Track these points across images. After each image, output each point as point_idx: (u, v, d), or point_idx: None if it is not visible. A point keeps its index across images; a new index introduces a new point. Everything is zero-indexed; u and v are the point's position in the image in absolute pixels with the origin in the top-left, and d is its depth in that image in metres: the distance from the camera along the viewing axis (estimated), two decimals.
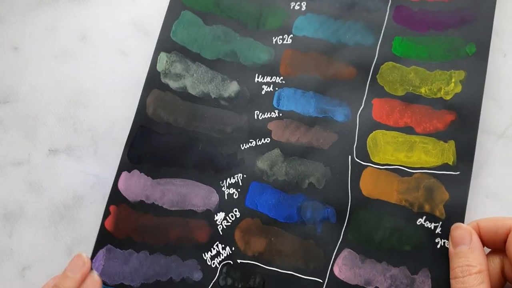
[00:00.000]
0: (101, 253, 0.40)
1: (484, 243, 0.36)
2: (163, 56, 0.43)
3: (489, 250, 0.37)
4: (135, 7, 0.46)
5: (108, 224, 0.40)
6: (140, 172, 0.41)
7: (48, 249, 0.42)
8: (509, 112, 0.41)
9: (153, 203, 0.41)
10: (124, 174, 0.41)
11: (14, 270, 0.41)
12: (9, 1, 0.46)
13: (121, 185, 0.41)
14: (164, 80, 0.43)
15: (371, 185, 0.40)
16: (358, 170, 0.40)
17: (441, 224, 0.38)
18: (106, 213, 0.41)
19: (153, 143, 0.42)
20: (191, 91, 0.43)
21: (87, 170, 0.43)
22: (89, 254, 0.40)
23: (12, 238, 0.42)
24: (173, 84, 0.43)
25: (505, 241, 0.35)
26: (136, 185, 0.41)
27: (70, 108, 0.44)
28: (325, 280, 0.38)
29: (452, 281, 0.35)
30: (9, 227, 0.42)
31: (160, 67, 0.43)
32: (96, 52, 0.45)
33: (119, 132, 0.43)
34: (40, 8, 0.46)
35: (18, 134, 0.44)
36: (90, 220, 0.42)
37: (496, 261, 0.36)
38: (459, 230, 0.36)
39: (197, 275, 0.39)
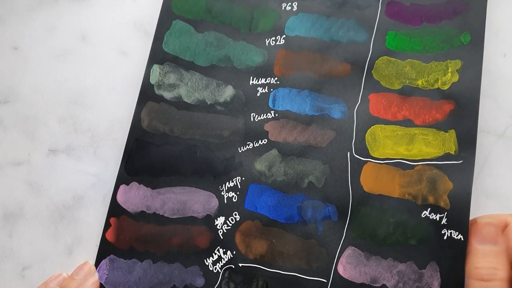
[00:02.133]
0: (104, 263, 0.40)
1: None
2: (156, 68, 0.44)
3: None
4: (135, 7, 0.47)
5: (110, 236, 0.40)
6: (139, 184, 0.41)
7: (48, 249, 0.42)
8: (509, 112, 0.41)
9: (154, 212, 0.41)
10: (122, 187, 0.41)
11: (14, 270, 0.41)
12: (9, 1, 0.47)
13: (120, 198, 0.41)
14: (158, 92, 0.43)
15: (372, 181, 0.39)
16: (357, 166, 0.39)
17: (446, 215, 0.37)
18: (107, 225, 0.40)
19: (150, 154, 0.42)
20: (186, 99, 0.43)
21: (87, 170, 0.43)
22: (91, 258, 0.40)
23: (12, 238, 0.42)
24: (167, 95, 0.43)
25: None
26: (136, 197, 0.41)
27: (70, 108, 0.44)
28: (329, 280, 0.37)
29: (474, 282, 0.33)
30: (9, 227, 0.42)
31: (153, 79, 0.43)
32: (96, 52, 0.46)
33: (119, 132, 0.43)
34: (40, 8, 0.47)
35: (18, 134, 0.44)
36: (90, 220, 0.42)
37: None
38: (490, 227, 0.34)
39: (200, 281, 0.39)
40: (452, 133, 0.39)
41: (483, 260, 0.33)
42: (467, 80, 0.40)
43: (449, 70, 0.40)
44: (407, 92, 0.41)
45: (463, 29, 0.41)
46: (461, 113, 0.39)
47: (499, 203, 0.39)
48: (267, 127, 0.42)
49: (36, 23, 0.47)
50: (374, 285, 0.37)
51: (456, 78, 0.40)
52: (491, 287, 0.32)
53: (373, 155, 0.40)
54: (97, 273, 0.39)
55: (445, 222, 0.37)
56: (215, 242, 0.39)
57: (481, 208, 0.38)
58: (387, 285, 0.37)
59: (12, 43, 0.46)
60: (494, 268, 0.32)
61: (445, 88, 0.40)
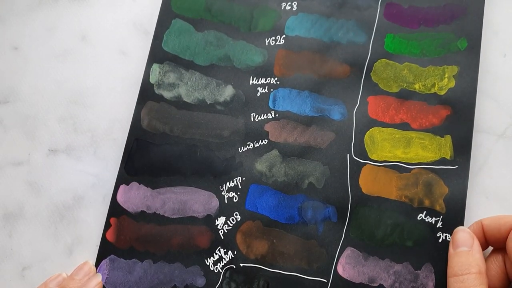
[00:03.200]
0: (104, 263, 0.40)
1: (487, 241, 0.36)
2: (155, 67, 0.43)
3: (491, 250, 0.37)
4: (135, 7, 0.46)
5: (110, 236, 0.40)
6: (139, 184, 0.41)
7: (48, 249, 0.42)
8: (509, 112, 0.41)
9: (155, 212, 0.41)
10: (122, 187, 0.41)
11: (14, 270, 0.41)
12: (9, 1, 0.46)
13: (120, 198, 0.41)
14: (158, 91, 0.43)
15: (370, 183, 0.40)
16: (356, 168, 0.40)
17: (441, 218, 0.38)
18: (107, 225, 0.40)
19: (150, 154, 0.42)
20: (186, 99, 0.43)
21: (87, 170, 0.43)
22: (91, 258, 0.40)
23: (12, 238, 0.42)
24: (167, 94, 0.43)
25: (507, 238, 0.35)
26: (136, 197, 0.41)
27: (70, 108, 0.44)
28: (329, 280, 0.38)
29: (450, 280, 0.35)
30: (9, 227, 0.42)
31: (153, 79, 0.43)
32: (96, 52, 0.45)
33: (119, 132, 0.43)
34: (40, 8, 0.46)
35: (18, 134, 0.44)
36: (90, 220, 0.42)
37: (499, 259, 0.36)
38: (461, 233, 0.36)
39: (201, 281, 0.39)
40: (448, 139, 0.40)
41: (457, 260, 0.35)
42: (464, 86, 0.41)
43: (446, 75, 0.41)
44: (404, 95, 0.42)
45: (460, 35, 0.42)
46: (457, 119, 0.40)
47: (498, 203, 0.40)
48: (267, 127, 0.42)
49: (36, 23, 0.46)
50: (372, 284, 0.38)
51: (452, 83, 0.41)
52: (464, 280, 0.34)
53: (371, 157, 0.40)
54: (100, 275, 0.39)
55: (441, 225, 0.38)
56: (216, 242, 0.40)
57: (480, 208, 0.39)
58: (384, 285, 0.38)
59: (12, 43, 0.45)
60: (467, 265, 0.34)
61: (442, 93, 0.41)
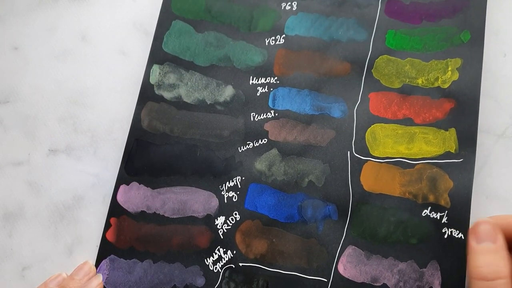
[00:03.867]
0: (104, 263, 0.40)
1: None
2: (155, 68, 0.44)
3: None
4: (135, 7, 0.47)
5: (110, 236, 0.40)
6: (140, 184, 0.41)
7: (48, 249, 0.42)
8: (509, 112, 0.40)
9: (155, 212, 0.41)
10: (123, 187, 0.41)
11: (14, 270, 0.41)
12: (9, 1, 0.47)
13: (120, 198, 0.41)
14: (158, 92, 0.43)
15: (372, 180, 0.39)
16: (358, 165, 0.39)
17: (447, 213, 0.37)
18: (107, 225, 0.41)
19: (150, 154, 0.42)
20: (186, 99, 0.43)
21: (87, 170, 0.43)
22: (91, 258, 0.40)
23: (12, 238, 0.42)
24: (167, 95, 0.43)
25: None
26: (136, 197, 0.41)
27: (70, 108, 0.44)
28: (330, 279, 0.37)
29: (478, 283, 0.31)
30: (9, 227, 0.42)
31: (153, 79, 0.43)
32: (96, 52, 0.46)
33: (119, 132, 0.43)
34: (40, 8, 0.47)
35: (18, 134, 0.44)
36: (90, 220, 0.42)
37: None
38: (486, 225, 0.33)
39: (200, 281, 0.39)
40: (452, 132, 0.39)
41: (483, 258, 0.32)
42: (467, 78, 0.40)
43: (449, 68, 0.40)
44: (407, 90, 0.41)
45: (462, 27, 0.41)
46: (461, 111, 0.39)
47: (499, 203, 0.38)
48: (267, 126, 0.42)
49: (36, 23, 0.47)
50: (375, 284, 0.37)
51: (456, 76, 0.40)
52: (495, 286, 0.31)
53: (373, 154, 0.39)
54: (101, 276, 0.39)
55: (446, 220, 0.37)
56: (216, 241, 0.39)
57: (481, 208, 0.38)
58: (387, 284, 0.36)
59: (12, 43, 0.46)
60: (496, 266, 0.31)
61: (445, 87, 0.40)
